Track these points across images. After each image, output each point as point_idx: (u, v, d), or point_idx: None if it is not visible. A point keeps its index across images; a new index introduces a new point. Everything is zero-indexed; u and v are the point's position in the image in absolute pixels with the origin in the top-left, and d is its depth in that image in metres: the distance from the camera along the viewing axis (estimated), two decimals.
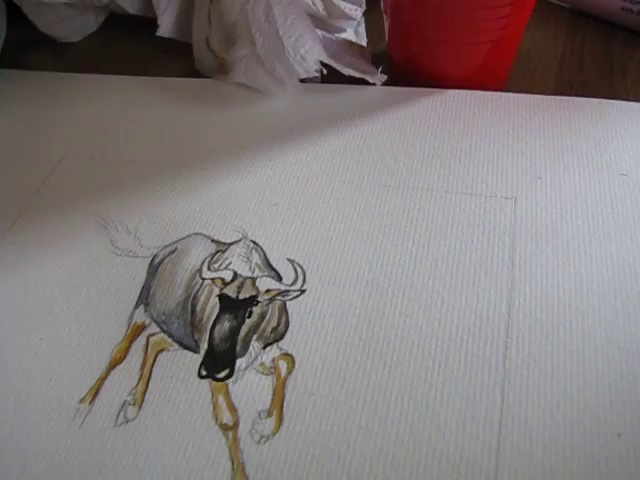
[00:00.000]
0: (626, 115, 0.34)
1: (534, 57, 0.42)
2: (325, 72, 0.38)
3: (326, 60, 0.37)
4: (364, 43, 0.43)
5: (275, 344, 0.26)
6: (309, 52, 0.37)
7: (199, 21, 0.42)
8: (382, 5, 0.38)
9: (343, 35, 0.42)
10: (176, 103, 0.39)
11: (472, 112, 0.35)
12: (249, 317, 0.27)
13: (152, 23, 0.45)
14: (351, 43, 0.42)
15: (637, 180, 0.30)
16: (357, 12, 0.42)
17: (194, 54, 0.42)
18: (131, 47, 0.47)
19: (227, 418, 0.24)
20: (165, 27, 0.43)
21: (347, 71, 0.37)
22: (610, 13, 0.43)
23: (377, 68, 0.38)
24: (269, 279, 0.28)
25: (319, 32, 0.40)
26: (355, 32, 0.43)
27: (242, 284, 0.28)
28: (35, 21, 0.45)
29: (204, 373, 0.26)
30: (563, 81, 0.39)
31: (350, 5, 0.42)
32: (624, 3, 0.42)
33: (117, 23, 0.48)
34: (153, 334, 0.27)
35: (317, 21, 0.40)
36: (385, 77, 0.38)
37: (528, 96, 0.36)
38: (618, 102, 0.35)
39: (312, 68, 0.37)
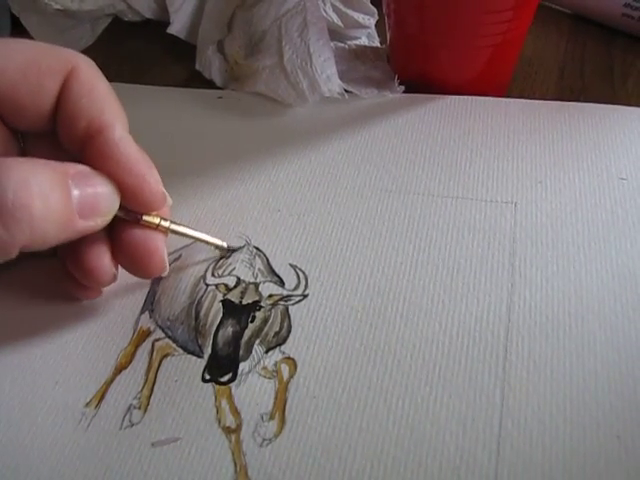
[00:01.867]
0: (626, 120, 0.34)
1: (535, 62, 0.42)
2: (347, 96, 0.38)
3: (348, 88, 0.38)
4: (377, 44, 0.43)
5: (277, 348, 0.27)
6: (334, 75, 0.38)
7: (212, 23, 0.42)
8: (384, 9, 0.38)
9: (357, 42, 0.44)
10: (179, 112, 0.40)
11: (473, 117, 0.36)
12: (252, 322, 0.27)
13: (152, 28, 0.46)
14: (365, 47, 0.43)
15: (637, 184, 0.31)
16: (370, 21, 0.43)
17: (197, 55, 0.43)
18: (131, 50, 0.48)
19: (230, 421, 0.25)
20: (177, 26, 0.44)
21: (367, 94, 0.38)
22: (611, 19, 0.43)
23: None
24: (272, 284, 0.29)
25: (333, 44, 0.41)
26: (367, 37, 0.44)
27: (245, 289, 0.29)
28: (32, 32, 0.46)
29: (208, 377, 0.26)
30: (564, 86, 0.40)
31: (363, 15, 0.43)
32: (625, 9, 0.42)
33: (116, 27, 0.48)
34: (158, 339, 0.28)
35: (333, 32, 0.41)
36: (403, 88, 0.38)
37: (528, 101, 0.36)
38: (617, 107, 0.35)
39: (336, 90, 0.38)
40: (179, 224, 0.28)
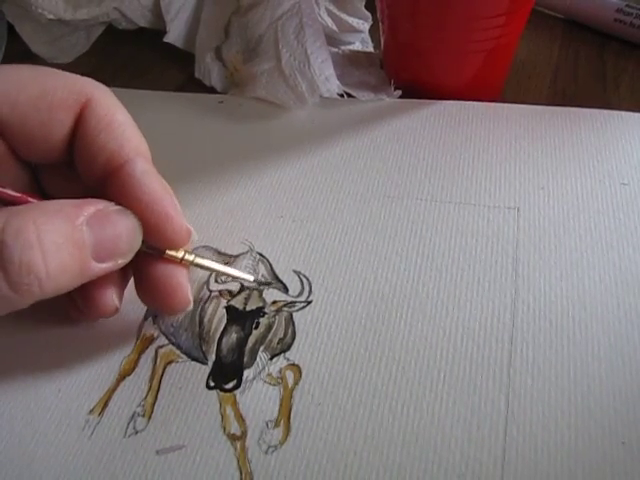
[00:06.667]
0: (626, 125, 0.34)
1: (529, 66, 0.42)
2: (346, 97, 0.38)
3: (345, 89, 0.39)
4: (371, 49, 0.44)
5: (282, 355, 0.27)
6: (333, 76, 0.38)
7: (209, 30, 0.42)
8: (378, 14, 0.39)
9: (351, 47, 0.44)
10: (180, 118, 0.40)
11: (473, 123, 0.36)
12: (256, 328, 0.27)
13: (148, 33, 0.46)
14: (358, 53, 0.43)
15: (638, 189, 0.31)
16: (364, 25, 0.43)
17: (196, 62, 0.43)
18: (127, 57, 0.48)
19: (235, 428, 0.25)
20: (173, 34, 0.44)
21: (364, 96, 0.38)
22: (604, 24, 0.43)
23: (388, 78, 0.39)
24: (276, 291, 0.29)
25: (329, 48, 0.41)
26: (361, 42, 0.44)
27: (249, 296, 0.29)
28: (27, 40, 0.46)
29: (212, 384, 0.26)
30: (557, 90, 0.40)
31: (357, 19, 0.43)
32: (617, 14, 0.42)
33: (113, 33, 0.48)
34: (162, 346, 0.28)
35: (327, 37, 0.41)
36: (400, 92, 0.39)
37: (530, 107, 0.37)
38: (619, 112, 0.35)
39: (334, 90, 0.38)
40: (203, 257, 0.26)
